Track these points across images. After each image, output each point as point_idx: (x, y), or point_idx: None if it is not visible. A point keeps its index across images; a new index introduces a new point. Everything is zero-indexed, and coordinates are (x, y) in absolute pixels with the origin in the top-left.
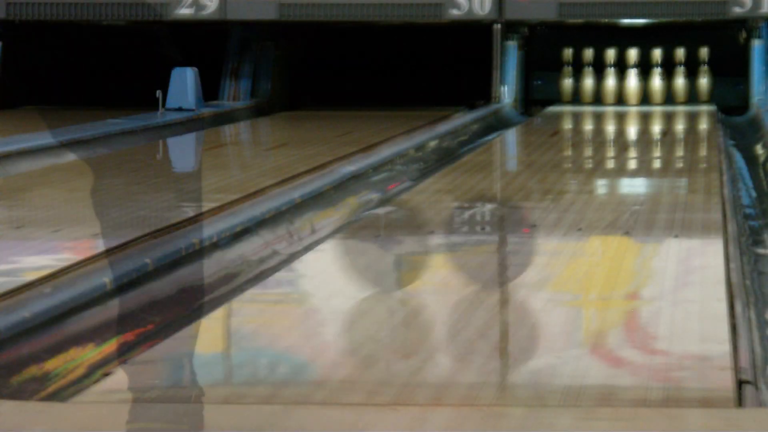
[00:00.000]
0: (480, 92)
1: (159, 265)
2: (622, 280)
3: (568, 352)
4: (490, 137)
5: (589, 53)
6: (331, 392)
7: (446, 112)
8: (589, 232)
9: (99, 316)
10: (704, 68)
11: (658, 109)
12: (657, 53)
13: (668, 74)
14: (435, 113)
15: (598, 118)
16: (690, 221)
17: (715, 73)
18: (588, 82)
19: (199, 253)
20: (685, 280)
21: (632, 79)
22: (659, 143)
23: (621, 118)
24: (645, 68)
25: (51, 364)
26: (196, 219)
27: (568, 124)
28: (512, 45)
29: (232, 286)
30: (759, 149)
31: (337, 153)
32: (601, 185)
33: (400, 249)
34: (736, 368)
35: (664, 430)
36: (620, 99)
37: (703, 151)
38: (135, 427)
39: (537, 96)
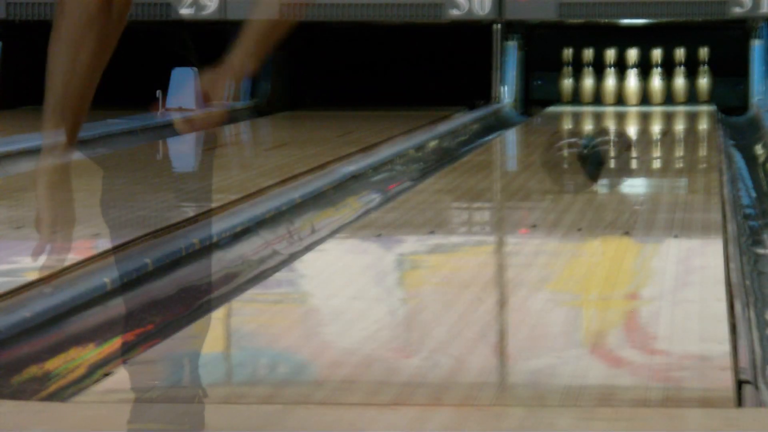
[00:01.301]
0: (480, 92)
1: (159, 265)
2: (622, 280)
3: (568, 352)
4: (490, 137)
5: (589, 53)
6: (331, 392)
7: (446, 113)
8: (589, 232)
9: (99, 316)
10: (704, 68)
11: (658, 109)
12: (657, 53)
13: (668, 74)
14: (435, 113)
15: (598, 118)
16: (690, 221)
17: (715, 73)
18: (588, 82)
19: (199, 253)
20: (684, 280)
21: (632, 79)
22: (659, 143)
23: (621, 118)
24: (645, 68)
25: (51, 364)
26: (196, 219)
27: (568, 124)
28: (512, 45)
29: (232, 286)
30: (759, 149)
31: (337, 153)
32: (601, 185)
33: (400, 249)
34: (736, 368)
35: (664, 430)
36: (620, 99)
37: (703, 151)
38: (135, 427)
39: (537, 96)
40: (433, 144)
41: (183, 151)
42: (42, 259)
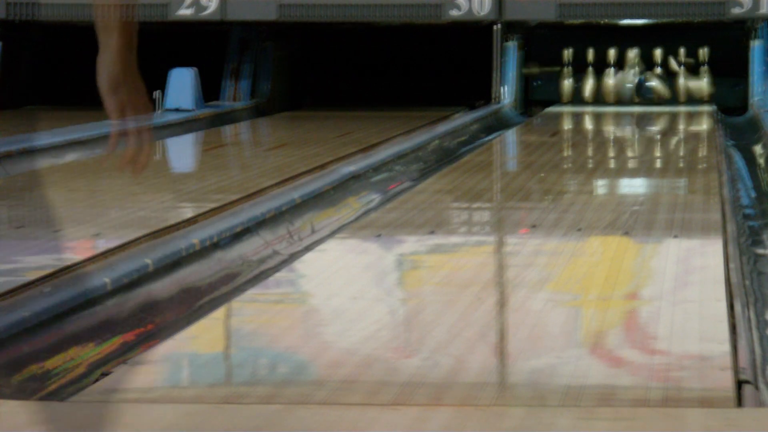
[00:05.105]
0: (480, 92)
1: (159, 266)
2: (622, 280)
3: (568, 352)
4: (490, 137)
5: (589, 53)
6: (331, 392)
7: (446, 113)
8: (589, 232)
9: (99, 316)
10: (704, 68)
11: (657, 109)
12: (657, 53)
13: (668, 74)
14: (435, 113)
15: (598, 118)
16: (689, 221)
17: (715, 74)
18: (588, 83)
19: (199, 253)
20: (684, 280)
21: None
22: (659, 143)
23: (621, 118)
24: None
25: (51, 364)
26: (196, 219)
27: (567, 125)
28: (512, 45)
29: (232, 286)
30: (758, 149)
31: (337, 153)
32: (600, 185)
33: (400, 249)
34: (736, 368)
35: (664, 430)
36: (620, 99)
37: (702, 151)
38: (135, 428)
39: (537, 96)
40: (433, 144)
41: (182, 151)
42: (117, 149)
